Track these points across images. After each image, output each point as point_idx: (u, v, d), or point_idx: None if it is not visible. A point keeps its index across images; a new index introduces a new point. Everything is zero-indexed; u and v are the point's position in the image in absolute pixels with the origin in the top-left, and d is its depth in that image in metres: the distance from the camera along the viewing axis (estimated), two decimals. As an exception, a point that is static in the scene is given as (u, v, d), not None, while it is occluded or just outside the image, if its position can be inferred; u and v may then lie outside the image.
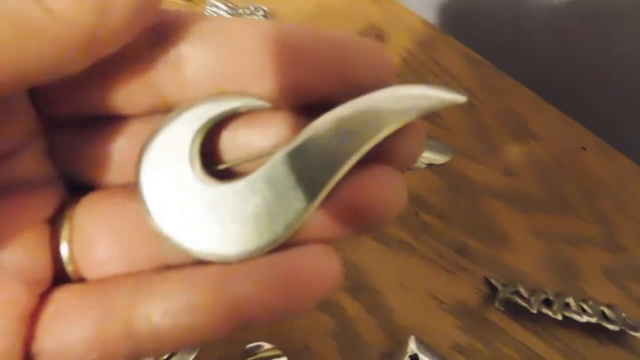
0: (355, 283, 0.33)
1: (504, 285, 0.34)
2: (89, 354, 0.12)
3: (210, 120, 0.13)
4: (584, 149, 0.43)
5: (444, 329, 0.33)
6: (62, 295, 0.13)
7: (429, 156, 0.39)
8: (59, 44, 0.10)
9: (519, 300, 0.34)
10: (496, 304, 0.34)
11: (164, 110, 0.13)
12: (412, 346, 0.30)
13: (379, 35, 0.46)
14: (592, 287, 0.36)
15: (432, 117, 0.42)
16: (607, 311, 0.34)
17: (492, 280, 0.35)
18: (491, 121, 0.43)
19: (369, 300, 0.33)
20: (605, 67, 0.52)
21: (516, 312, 0.34)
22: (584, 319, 0.34)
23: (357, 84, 0.13)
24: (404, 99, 0.12)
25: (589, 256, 0.38)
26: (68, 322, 0.12)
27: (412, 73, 0.44)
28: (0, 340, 0.11)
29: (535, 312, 0.33)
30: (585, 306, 0.34)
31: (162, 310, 0.12)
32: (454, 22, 0.53)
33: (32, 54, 0.10)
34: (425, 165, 0.39)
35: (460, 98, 0.13)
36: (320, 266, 0.12)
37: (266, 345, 0.29)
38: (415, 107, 0.12)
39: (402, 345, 0.31)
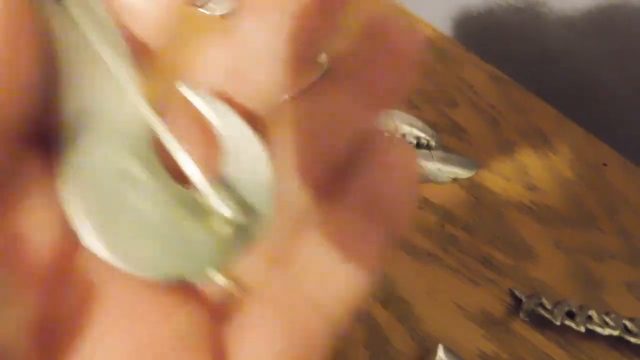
0: (386, 293, 0.35)
1: (528, 296, 0.36)
2: None
3: None
4: (605, 164, 0.45)
5: (470, 338, 0.34)
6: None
7: (454, 170, 0.40)
8: None
9: (543, 312, 0.35)
10: (520, 314, 0.35)
11: None
12: (441, 354, 0.31)
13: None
14: (615, 300, 0.37)
15: (458, 133, 0.43)
16: (629, 324, 0.35)
17: (517, 292, 0.36)
18: (514, 137, 0.44)
19: (398, 309, 0.34)
20: (626, 84, 0.53)
21: (540, 323, 0.35)
22: (607, 331, 0.35)
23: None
24: None
25: (611, 269, 0.39)
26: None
27: (436, 89, 0.46)
28: None
29: (558, 323, 0.34)
30: (607, 319, 0.35)
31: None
32: (478, 40, 0.54)
33: None
34: (451, 179, 0.40)
35: None
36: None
37: (302, 350, 0.31)
38: None
39: (431, 353, 0.32)
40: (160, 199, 0.13)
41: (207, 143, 0.14)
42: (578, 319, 0.35)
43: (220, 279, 0.13)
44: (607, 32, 0.52)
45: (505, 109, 0.46)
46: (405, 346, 0.33)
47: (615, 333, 0.35)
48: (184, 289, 0.13)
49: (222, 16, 0.47)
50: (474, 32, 0.57)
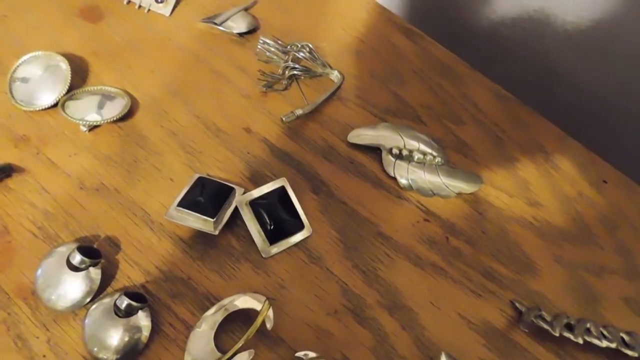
0: (392, 302, 0.36)
1: (528, 308, 0.37)
2: None
3: None
4: (605, 182, 0.46)
5: (472, 347, 0.36)
6: None
7: (459, 185, 0.42)
8: None
9: (542, 324, 0.36)
10: (520, 326, 0.37)
11: None
12: (444, 361, 0.33)
13: (414, 71, 0.50)
14: (612, 314, 0.39)
15: (463, 149, 0.45)
16: (626, 337, 0.36)
17: (517, 304, 0.37)
18: (517, 154, 0.46)
19: (404, 318, 0.36)
20: (627, 104, 0.54)
21: (539, 334, 0.36)
22: (604, 344, 0.36)
23: None
24: None
25: (610, 284, 0.40)
26: None
27: (442, 106, 0.48)
28: None
29: (557, 335, 0.35)
30: (605, 332, 0.36)
31: None
32: (483, 59, 0.56)
33: None
34: (455, 194, 0.42)
35: None
36: None
37: (311, 354, 0.32)
38: None
39: (434, 360, 0.34)
40: None
41: None
42: (576, 331, 0.36)
43: None
44: (608, 53, 0.54)
45: (509, 127, 0.47)
46: (409, 353, 0.35)
47: (613, 345, 0.36)
48: None
49: (240, 35, 0.49)
50: (479, 51, 0.59)
